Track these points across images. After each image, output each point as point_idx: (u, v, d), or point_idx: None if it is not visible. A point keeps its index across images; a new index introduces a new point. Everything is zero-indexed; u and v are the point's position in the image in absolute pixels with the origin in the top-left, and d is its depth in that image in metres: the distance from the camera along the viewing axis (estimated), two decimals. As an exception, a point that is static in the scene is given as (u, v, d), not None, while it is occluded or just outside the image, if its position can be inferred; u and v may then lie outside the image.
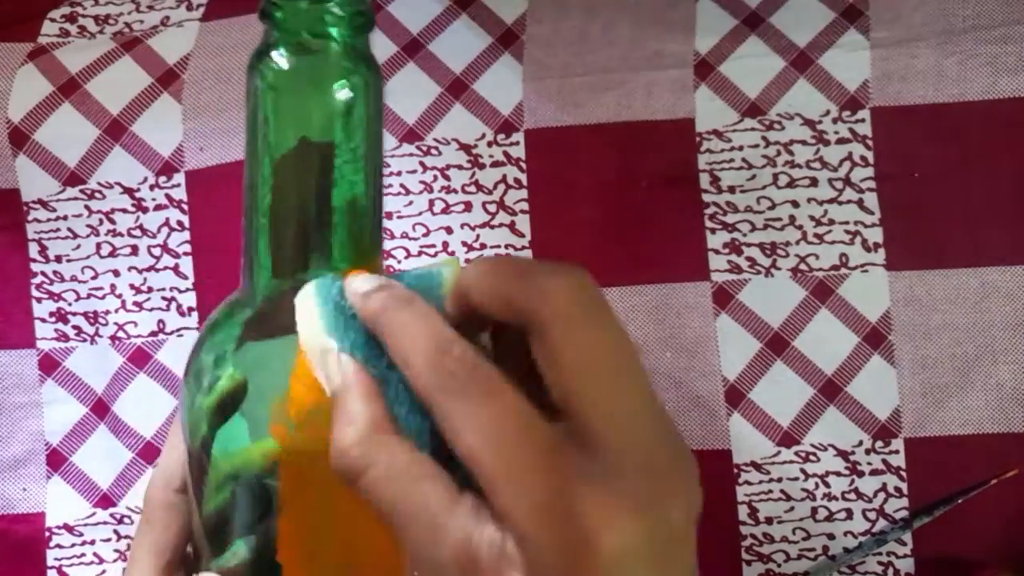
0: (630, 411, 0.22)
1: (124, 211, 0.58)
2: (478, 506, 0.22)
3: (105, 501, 0.58)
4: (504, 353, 0.25)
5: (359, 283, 0.25)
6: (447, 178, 0.56)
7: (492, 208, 0.56)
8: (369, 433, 0.22)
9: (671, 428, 0.22)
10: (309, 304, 0.26)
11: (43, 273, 0.58)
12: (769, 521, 0.54)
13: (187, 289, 0.58)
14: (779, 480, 0.54)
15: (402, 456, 0.22)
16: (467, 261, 0.56)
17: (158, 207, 0.58)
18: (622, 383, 0.22)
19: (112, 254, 0.58)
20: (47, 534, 0.58)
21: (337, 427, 0.23)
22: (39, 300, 0.58)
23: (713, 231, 0.54)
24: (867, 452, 0.53)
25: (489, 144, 0.56)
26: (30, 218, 0.58)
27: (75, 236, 0.58)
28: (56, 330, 0.58)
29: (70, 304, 0.58)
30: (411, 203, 0.56)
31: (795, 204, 0.54)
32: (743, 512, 0.54)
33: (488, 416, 0.21)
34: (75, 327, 0.58)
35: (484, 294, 0.24)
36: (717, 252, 0.54)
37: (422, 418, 0.24)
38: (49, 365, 0.58)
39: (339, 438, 0.23)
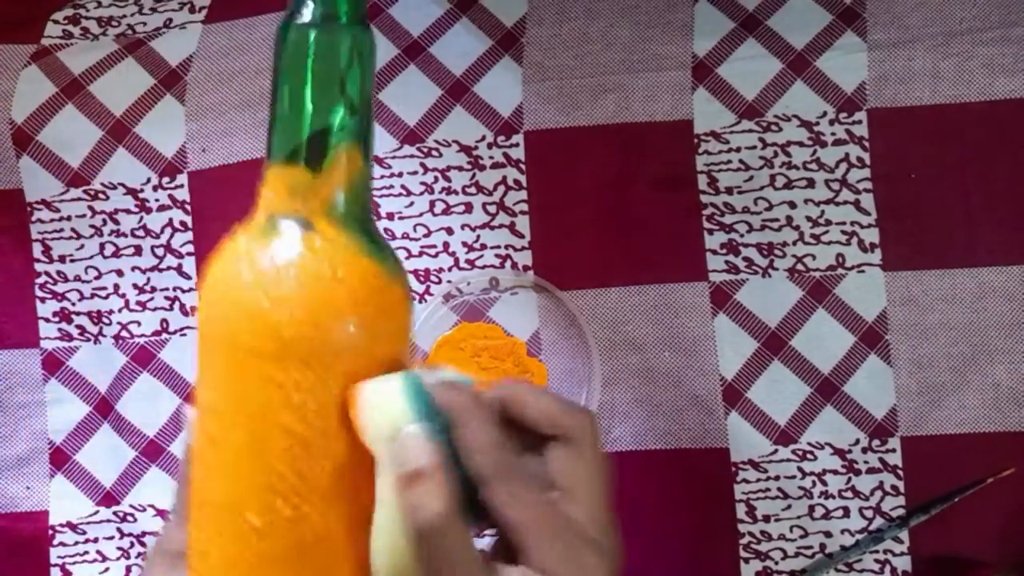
0: (607, 508, 0.33)
1: (127, 211, 0.58)
2: (498, 568, 0.31)
3: (108, 499, 0.58)
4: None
5: (436, 378, 0.33)
6: (448, 179, 0.57)
7: (492, 209, 0.56)
8: (448, 509, 0.30)
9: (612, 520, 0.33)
10: (396, 391, 0.31)
11: (47, 273, 0.59)
12: (767, 519, 0.54)
13: (190, 289, 0.58)
14: (776, 478, 0.54)
15: (463, 531, 0.31)
16: (468, 261, 0.56)
17: (161, 208, 0.58)
18: (605, 490, 0.33)
19: (116, 254, 0.58)
20: (50, 532, 0.58)
21: (426, 496, 0.30)
22: (43, 300, 0.59)
23: (711, 232, 0.55)
24: (864, 451, 0.53)
25: (489, 146, 0.56)
26: (34, 218, 0.59)
27: (79, 236, 0.59)
28: (59, 330, 0.59)
29: (73, 304, 0.59)
30: (412, 204, 0.57)
31: (792, 205, 0.54)
32: (741, 510, 0.54)
33: (527, 497, 0.31)
34: (78, 327, 0.59)
35: (537, 412, 0.33)
36: (715, 252, 0.55)
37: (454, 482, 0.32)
38: (53, 364, 0.59)
39: (430, 506, 0.30)
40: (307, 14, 0.32)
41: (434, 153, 0.57)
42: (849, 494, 0.53)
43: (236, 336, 0.31)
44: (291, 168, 0.32)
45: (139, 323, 0.58)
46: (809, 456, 0.54)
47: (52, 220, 0.59)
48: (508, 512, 0.31)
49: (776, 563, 0.54)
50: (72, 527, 0.58)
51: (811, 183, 0.54)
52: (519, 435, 0.34)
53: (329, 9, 0.32)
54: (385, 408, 0.31)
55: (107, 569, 0.58)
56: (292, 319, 0.30)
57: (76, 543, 0.58)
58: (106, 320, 0.58)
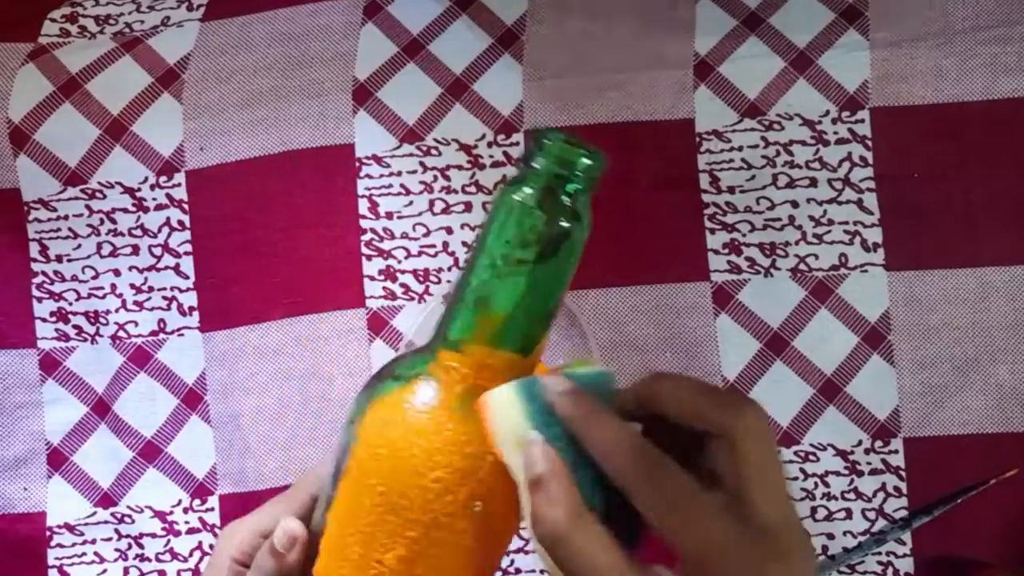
0: (787, 505, 0.31)
1: (125, 211, 0.58)
2: (642, 567, 0.30)
3: (106, 500, 0.58)
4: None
5: (556, 385, 0.32)
6: (447, 178, 0.56)
7: (492, 208, 0.56)
8: (569, 516, 0.30)
9: (798, 514, 0.31)
10: (512, 400, 0.32)
11: (44, 273, 0.58)
12: (769, 521, 0.54)
13: (188, 288, 0.58)
14: (779, 480, 0.54)
15: (594, 534, 0.30)
16: (468, 261, 0.56)
17: (159, 207, 0.58)
18: (781, 485, 0.31)
19: (113, 254, 0.58)
20: (48, 533, 0.58)
21: (544, 505, 0.30)
22: (40, 300, 0.58)
23: (713, 231, 0.54)
24: (866, 452, 0.53)
25: (489, 144, 0.56)
26: (31, 218, 0.59)
27: (76, 236, 0.58)
28: (57, 330, 0.58)
29: (71, 304, 0.58)
30: (411, 203, 0.56)
31: (794, 204, 0.54)
32: (743, 512, 0.54)
33: (669, 500, 0.30)
34: (76, 327, 0.58)
35: (678, 405, 0.31)
36: (717, 252, 0.54)
37: (592, 491, 0.31)
38: (50, 365, 0.58)
39: (548, 514, 0.30)
40: (531, 193, 0.34)
41: (433, 152, 0.56)
42: (852, 495, 0.53)
43: (453, 517, 0.32)
44: (517, 357, 0.34)
45: (136, 323, 0.58)
46: (811, 457, 0.53)
47: (49, 219, 0.58)
48: (651, 519, 0.30)
49: (778, 565, 0.54)
50: (70, 528, 0.58)
51: (814, 182, 0.54)
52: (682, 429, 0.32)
53: (562, 213, 0.34)
54: (505, 416, 0.32)
55: (105, 571, 0.58)
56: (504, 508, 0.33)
57: (74, 544, 0.58)
58: (103, 320, 0.58)
